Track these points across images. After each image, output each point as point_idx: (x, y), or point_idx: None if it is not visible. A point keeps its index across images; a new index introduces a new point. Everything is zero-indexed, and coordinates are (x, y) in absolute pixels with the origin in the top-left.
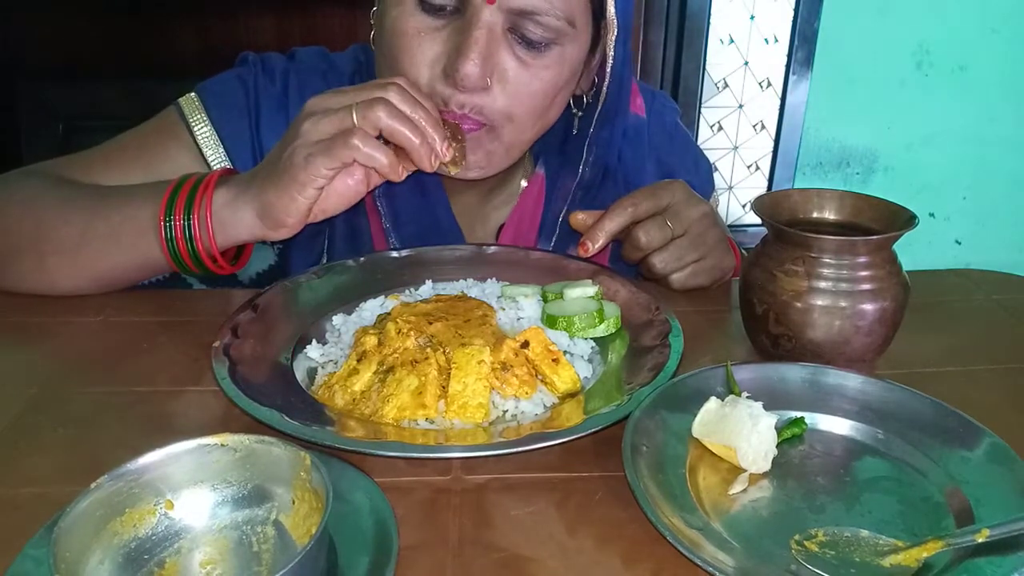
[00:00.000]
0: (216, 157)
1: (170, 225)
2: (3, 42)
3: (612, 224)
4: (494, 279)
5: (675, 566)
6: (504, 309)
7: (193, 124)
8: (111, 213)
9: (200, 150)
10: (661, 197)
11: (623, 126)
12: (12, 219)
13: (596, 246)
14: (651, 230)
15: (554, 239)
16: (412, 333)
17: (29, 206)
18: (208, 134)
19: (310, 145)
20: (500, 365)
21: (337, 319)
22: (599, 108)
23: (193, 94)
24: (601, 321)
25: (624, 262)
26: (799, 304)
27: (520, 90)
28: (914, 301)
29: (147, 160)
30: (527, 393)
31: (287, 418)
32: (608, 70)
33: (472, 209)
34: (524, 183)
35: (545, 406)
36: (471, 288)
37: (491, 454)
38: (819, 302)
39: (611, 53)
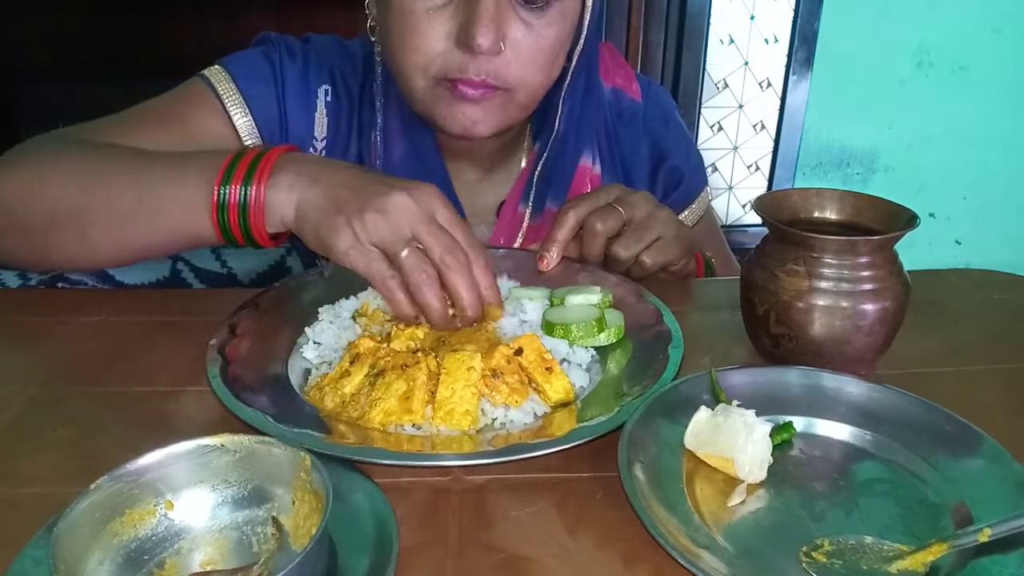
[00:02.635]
0: (245, 123)
1: (224, 192)
2: (3, 42)
3: (562, 231)
4: (505, 277)
5: (675, 566)
6: (511, 312)
7: (222, 92)
8: (160, 181)
9: (229, 117)
10: (598, 198)
11: (598, 87)
12: (54, 186)
13: (554, 258)
14: (604, 216)
15: (531, 197)
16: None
17: (73, 174)
18: (237, 102)
19: (363, 241)
20: (491, 372)
21: (324, 313)
22: (575, 60)
23: (217, 66)
24: (601, 330)
25: (589, 263)
26: (800, 304)
27: (529, 52)
28: (914, 301)
29: (180, 125)
30: (517, 401)
31: (271, 420)
32: (587, 21)
33: (472, 186)
34: (524, 162)
35: (535, 415)
36: None
37: (480, 462)
38: (820, 302)
39: (589, 4)
